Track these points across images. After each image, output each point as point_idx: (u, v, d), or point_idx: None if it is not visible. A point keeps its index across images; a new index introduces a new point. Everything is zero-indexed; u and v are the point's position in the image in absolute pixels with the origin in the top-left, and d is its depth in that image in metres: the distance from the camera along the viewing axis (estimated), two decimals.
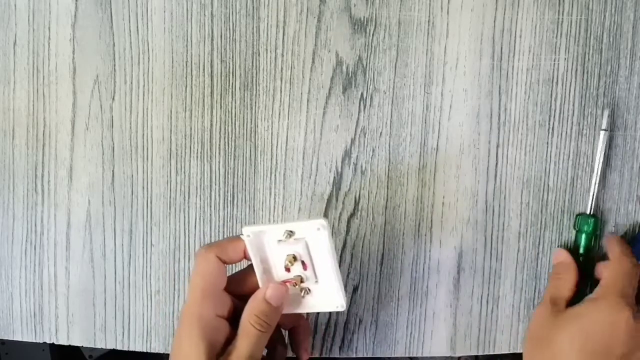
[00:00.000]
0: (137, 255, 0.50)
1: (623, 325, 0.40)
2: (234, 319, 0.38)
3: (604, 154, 0.48)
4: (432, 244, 0.49)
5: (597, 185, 0.48)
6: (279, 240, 0.37)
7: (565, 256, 0.47)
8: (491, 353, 0.51)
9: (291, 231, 0.37)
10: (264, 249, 0.38)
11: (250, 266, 0.39)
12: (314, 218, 0.38)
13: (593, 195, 0.48)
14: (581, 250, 0.48)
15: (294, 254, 0.37)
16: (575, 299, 0.48)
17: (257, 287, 0.38)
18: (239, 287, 0.40)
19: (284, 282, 0.38)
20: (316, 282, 0.38)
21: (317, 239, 0.36)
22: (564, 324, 0.42)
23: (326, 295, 0.38)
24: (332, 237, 0.37)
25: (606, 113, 0.48)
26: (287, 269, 0.38)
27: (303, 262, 0.37)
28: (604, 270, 0.45)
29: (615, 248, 0.45)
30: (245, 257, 0.39)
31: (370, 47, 0.48)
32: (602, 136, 0.48)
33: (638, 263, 0.44)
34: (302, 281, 0.38)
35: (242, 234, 0.38)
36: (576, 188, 0.49)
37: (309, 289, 0.39)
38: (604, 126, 0.48)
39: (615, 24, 0.48)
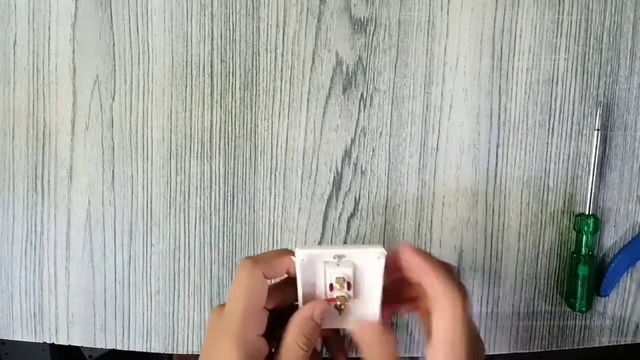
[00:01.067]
0: (137, 255, 0.50)
1: None
2: (269, 333, 0.37)
3: (600, 153, 0.48)
4: (432, 244, 0.49)
5: (594, 185, 0.48)
6: (326, 262, 0.38)
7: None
8: (491, 353, 0.51)
9: (342, 255, 0.38)
10: (312, 270, 0.38)
11: (287, 279, 0.38)
12: (372, 246, 0.38)
13: (591, 195, 0.48)
14: (582, 251, 0.48)
15: (343, 277, 0.38)
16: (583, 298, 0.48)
17: (292, 301, 0.38)
18: (276, 301, 0.38)
19: (328, 300, 0.38)
20: (354, 299, 0.39)
21: (371, 264, 0.37)
22: None
23: (362, 313, 0.39)
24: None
25: (598, 112, 0.48)
26: (332, 288, 0.38)
27: (348, 283, 0.38)
28: (434, 321, 0.35)
29: (434, 275, 0.36)
30: (288, 273, 0.38)
31: (370, 47, 0.48)
32: (596, 136, 0.48)
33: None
34: (346, 300, 0.38)
35: (294, 257, 0.37)
36: (576, 188, 0.49)
37: (344, 306, 0.39)
38: (597, 126, 0.48)
39: (615, 24, 0.48)
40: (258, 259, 0.37)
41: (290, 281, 0.38)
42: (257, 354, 0.35)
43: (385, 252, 0.37)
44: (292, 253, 0.37)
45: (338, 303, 0.38)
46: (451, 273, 0.36)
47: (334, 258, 0.38)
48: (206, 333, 0.37)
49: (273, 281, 0.38)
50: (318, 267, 0.38)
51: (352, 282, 0.38)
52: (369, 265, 0.38)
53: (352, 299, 0.39)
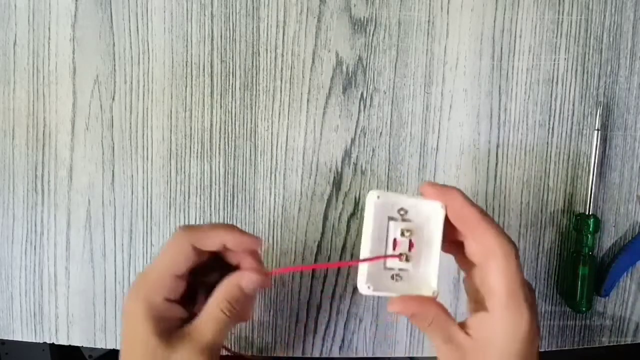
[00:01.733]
0: (137, 255, 0.50)
1: (531, 335, 0.33)
2: (188, 298, 0.37)
3: (600, 153, 0.48)
4: None
5: (594, 185, 0.48)
6: (390, 217, 0.37)
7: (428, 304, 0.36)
8: None
9: (405, 211, 0.37)
10: (381, 218, 0.37)
11: (217, 257, 0.38)
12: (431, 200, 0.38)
13: (591, 195, 0.48)
14: (582, 251, 0.48)
15: (408, 228, 0.37)
16: (582, 299, 0.48)
17: (218, 250, 0.37)
18: (204, 245, 0.37)
19: (388, 255, 0.37)
20: (409, 269, 0.38)
21: (431, 221, 0.37)
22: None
23: (418, 281, 0.38)
24: None
25: (598, 112, 0.48)
26: (395, 245, 0.37)
27: (411, 242, 0.37)
28: (487, 274, 0.34)
29: (476, 218, 0.34)
30: (225, 248, 0.37)
31: (370, 47, 0.48)
32: (596, 136, 0.48)
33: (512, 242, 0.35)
34: (406, 259, 0.37)
35: (369, 195, 0.36)
36: (576, 188, 0.49)
37: (400, 276, 0.38)
38: (597, 126, 0.48)
39: (615, 24, 0.48)
40: (191, 228, 0.37)
41: (219, 260, 0.38)
42: (167, 317, 0.36)
43: (445, 207, 0.36)
44: (232, 228, 0.37)
45: (400, 258, 0.37)
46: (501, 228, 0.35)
47: (399, 212, 0.37)
48: (125, 297, 0.37)
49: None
50: (385, 220, 0.37)
51: (414, 242, 0.37)
52: (428, 224, 0.37)
53: (408, 267, 0.37)
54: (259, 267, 0.38)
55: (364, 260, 0.36)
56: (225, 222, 0.49)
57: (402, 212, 0.37)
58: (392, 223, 0.37)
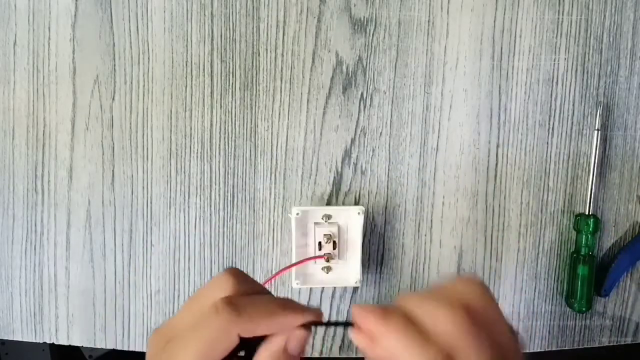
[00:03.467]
0: (137, 255, 0.50)
1: None
2: None
3: (600, 153, 0.48)
4: (432, 244, 0.49)
5: (594, 185, 0.48)
6: (316, 222, 0.46)
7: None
8: None
9: (329, 215, 0.46)
10: (305, 227, 0.46)
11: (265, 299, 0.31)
12: (352, 205, 0.48)
13: (591, 195, 0.48)
14: (582, 251, 0.48)
15: (330, 234, 0.46)
16: (582, 299, 0.48)
17: (271, 331, 0.30)
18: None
19: (317, 257, 0.46)
20: (338, 261, 0.47)
21: (352, 222, 0.46)
22: None
23: (345, 273, 0.47)
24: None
25: (598, 112, 0.48)
26: (320, 247, 0.46)
27: (334, 242, 0.46)
28: None
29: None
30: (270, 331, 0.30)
31: (370, 47, 0.48)
32: (596, 136, 0.48)
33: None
34: (331, 257, 0.46)
35: (290, 213, 0.45)
36: (576, 188, 0.49)
37: (330, 268, 0.47)
38: (597, 126, 0.48)
39: (615, 24, 0.48)
40: (243, 312, 0.28)
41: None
42: None
43: (363, 209, 0.46)
44: (292, 312, 0.30)
45: (325, 258, 0.46)
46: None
47: (322, 218, 0.46)
48: (150, 341, 0.30)
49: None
50: (311, 227, 0.46)
51: (337, 242, 0.46)
52: (350, 224, 0.46)
53: (336, 260, 0.47)
54: (310, 317, 0.31)
55: (293, 264, 0.45)
56: (225, 222, 0.49)
57: (325, 218, 0.46)
58: (317, 228, 0.46)
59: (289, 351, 0.30)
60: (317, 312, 0.31)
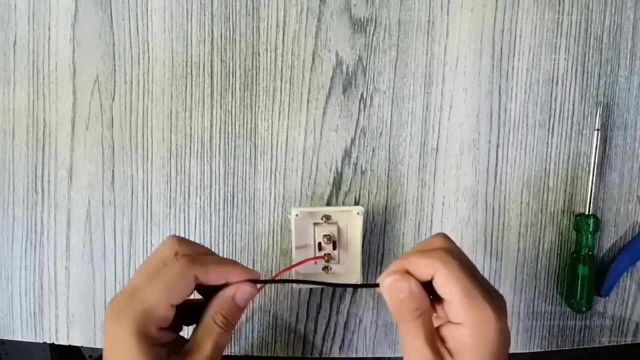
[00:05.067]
0: (137, 255, 0.50)
1: None
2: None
3: (600, 153, 0.49)
4: None
5: (594, 185, 0.48)
6: (315, 223, 0.46)
7: (413, 286, 0.35)
8: None
9: (328, 216, 0.46)
10: (305, 228, 0.46)
11: (215, 258, 0.38)
12: (351, 206, 0.48)
13: (591, 195, 0.48)
14: (582, 251, 0.48)
15: (329, 234, 0.45)
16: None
17: (220, 279, 0.36)
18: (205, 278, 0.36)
19: (317, 257, 0.46)
20: (339, 261, 0.47)
21: (352, 223, 0.46)
22: None
23: (345, 273, 0.47)
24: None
25: (598, 112, 0.48)
26: (320, 247, 0.46)
27: (334, 242, 0.46)
28: (440, 288, 0.34)
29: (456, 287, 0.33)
30: (227, 283, 0.37)
31: (370, 47, 0.48)
32: (596, 136, 0.48)
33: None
34: (331, 258, 0.46)
35: (290, 214, 0.45)
36: (576, 188, 0.49)
37: (330, 268, 0.47)
38: (597, 126, 0.48)
39: (615, 24, 0.48)
40: (196, 259, 0.35)
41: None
42: (159, 346, 0.34)
43: (363, 210, 0.45)
44: (236, 265, 0.37)
45: (325, 259, 0.46)
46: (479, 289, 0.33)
47: (322, 219, 0.46)
48: (108, 306, 0.34)
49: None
50: (310, 228, 0.46)
51: (337, 242, 0.46)
52: (350, 225, 0.46)
53: (336, 260, 0.46)
54: (251, 276, 0.37)
55: (293, 266, 0.45)
56: (225, 222, 0.49)
57: (324, 218, 0.46)
58: (317, 228, 0.46)
59: (236, 300, 0.36)
60: (257, 273, 0.38)
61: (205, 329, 0.35)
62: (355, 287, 0.48)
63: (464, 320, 0.33)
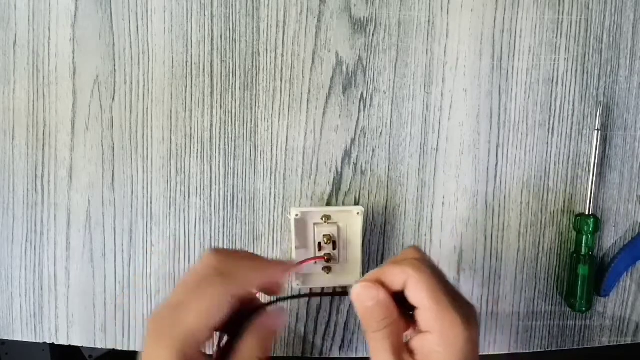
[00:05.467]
0: (137, 255, 0.50)
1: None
2: None
3: (600, 153, 0.49)
4: (432, 244, 0.49)
5: (594, 185, 0.48)
6: (315, 223, 0.46)
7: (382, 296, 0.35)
8: (491, 353, 0.51)
9: (328, 216, 0.46)
10: (305, 228, 0.46)
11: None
12: (351, 206, 0.48)
13: (591, 195, 0.48)
14: (582, 251, 0.48)
15: (329, 234, 0.46)
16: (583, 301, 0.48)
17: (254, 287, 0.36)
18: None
19: (316, 257, 0.46)
20: (338, 262, 0.47)
21: (352, 223, 0.46)
22: None
23: (345, 273, 0.47)
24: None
25: (598, 112, 0.48)
26: (320, 248, 0.46)
27: (334, 243, 0.46)
28: (410, 297, 0.34)
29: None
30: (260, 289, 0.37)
31: (370, 47, 0.48)
32: (596, 136, 0.48)
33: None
34: (331, 258, 0.46)
35: (289, 214, 0.45)
36: (576, 188, 0.49)
37: (330, 268, 0.47)
38: (597, 126, 0.48)
39: (615, 24, 0.48)
40: (233, 277, 0.34)
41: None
42: None
43: (363, 210, 0.45)
44: (267, 268, 0.37)
45: (325, 259, 0.46)
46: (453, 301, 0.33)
47: (322, 219, 0.46)
48: (150, 324, 0.33)
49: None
50: (310, 228, 0.46)
51: (337, 242, 0.46)
52: (350, 225, 0.46)
53: (336, 260, 0.47)
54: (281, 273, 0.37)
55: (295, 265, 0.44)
56: (225, 222, 0.49)
57: (324, 219, 0.46)
58: (317, 229, 0.46)
59: (273, 328, 0.35)
60: (291, 263, 0.40)
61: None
62: (324, 295, 0.48)
63: (433, 328, 0.33)
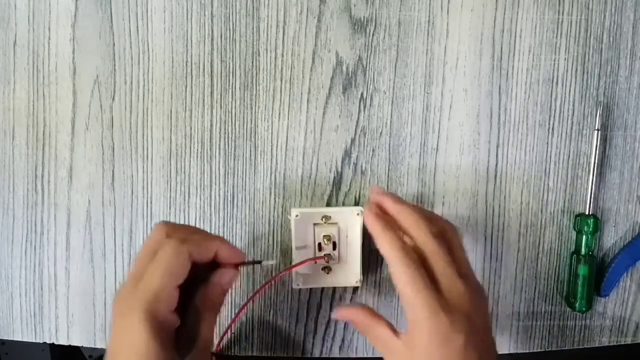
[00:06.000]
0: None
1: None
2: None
3: (600, 153, 0.48)
4: None
5: (594, 185, 0.48)
6: (315, 223, 0.46)
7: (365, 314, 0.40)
8: None
9: (328, 216, 0.46)
10: (305, 229, 0.46)
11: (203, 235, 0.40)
12: (351, 206, 0.48)
13: (591, 195, 0.48)
14: (582, 251, 0.48)
15: (329, 235, 0.46)
16: (582, 300, 0.48)
17: (210, 254, 0.39)
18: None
19: (316, 258, 0.46)
20: (338, 262, 0.47)
21: (352, 222, 0.46)
22: None
23: (345, 273, 0.47)
24: None
25: (598, 112, 0.48)
26: (320, 248, 0.46)
27: (334, 243, 0.46)
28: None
29: (376, 237, 0.39)
30: (216, 258, 0.39)
31: (370, 47, 0.48)
32: (596, 136, 0.48)
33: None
34: (331, 258, 0.46)
35: (290, 215, 0.45)
36: (576, 188, 0.49)
37: (330, 268, 0.47)
38: (597, 126, 0.48)
39: (615, 24, 0.48)
40: (187, 239, 0.36)
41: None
42: (168, 329, 0.35)
43: (363, 209, 0.45)
44: (224, 241, 0.40)
45: (325, 259, 0.46)
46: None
47: (322, 219, 0.46)
48: (115, 303, 0.36)
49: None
50: (310, 228, 0.46)
51: (337, 242, 0.46)
52: (350, 225, 0.46)
53: (336, 260, 0.46)
54: (235, 254, 0.40)
55: (293, 266, 0.45)
56: (225, 222, 0.49)
57: (324, 219, 0.46)
58: (317, 228, 0.46)
59: (222, 285, 0.39)
60: (242, 253, 0.40)
61: (208, 323, 0.38)
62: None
63: (410, 319, 0.36)
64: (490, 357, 0.38)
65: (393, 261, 0.37)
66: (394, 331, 0.38)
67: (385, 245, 0.38)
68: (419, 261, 0.37)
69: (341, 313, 0.42)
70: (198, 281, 0.38)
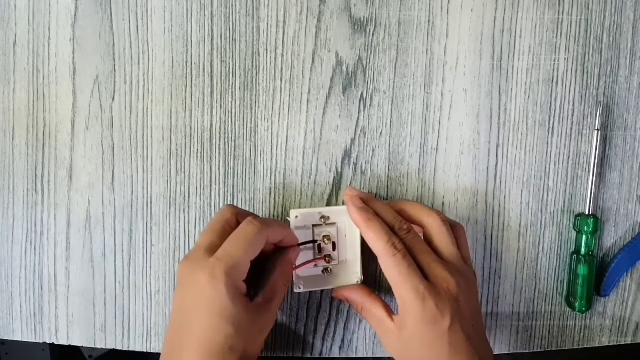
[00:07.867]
0: (137, 255, 0.50)
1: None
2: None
3: (600, 153, 0.49)
4: None
5: (594, 185, 0.48)
6: (315, 224, 0.46)
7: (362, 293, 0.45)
8: None
9: (327, 217, 0.46)
10: (304, 230, 0.46)
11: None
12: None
13: (591, 195, 0.48)
14: (582, 251, 0.48)
15: (329, 235, 0.46)
16: (584, 299, 0.48)
17: (279, 238, 0.43)
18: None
19: (317, 259, 0.46)
20: (338, 263, 0.47)
21: (351, 222, 0.45)
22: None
23: (346, 272, 0.47)
24: None
25: (598, 112, 0.48)
26: (320, 249, 0.46)
27: (334, 243, 0.46)
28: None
29: (361, 226, 0.43)
30: (280, 243, 0.44)
31: (370, 47, 0.48)
32: (596, 136, 0.48)
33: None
34: (331, 259, 0.46)
35: (289, 216, 0.45)
36: (576, 188, 0.49)
37: (331, 270, 0.47)
38: (597, 126, 0.48)
39: (615, 24, 0.48)
40: (268, 224, 0.41)
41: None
42: (241, 295, 0.40)
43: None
44: (288, 228, 0.44)
45: (325, 260, 0.46)
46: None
47: (321, 220, 0.46)
48: (183, 266, 0.40)
49: None
50: (309, 229, 0.46)
51: (336, 243, 0.46)
52: (348, 224, 0.46)
53: (337, 261, 0.46)
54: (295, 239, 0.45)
55: (295, 267, 0.45)
56: None
57: (323, 220, 0.46)
58: (316, 229, 0.46)
59: (293, 261, 0.44)
60: (297, 238, 0.45)
61: (274, 286, 0.42)
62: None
63: (399, 302, 0.40)
64: (479, 340, 0.40)
65: (380, 250, 0.40)
66: (389, 312, 0.42)
67: (371, 235, 0.41)
68: (405, 249, 0.40)
69: (339, 292, 0.45)
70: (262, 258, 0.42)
